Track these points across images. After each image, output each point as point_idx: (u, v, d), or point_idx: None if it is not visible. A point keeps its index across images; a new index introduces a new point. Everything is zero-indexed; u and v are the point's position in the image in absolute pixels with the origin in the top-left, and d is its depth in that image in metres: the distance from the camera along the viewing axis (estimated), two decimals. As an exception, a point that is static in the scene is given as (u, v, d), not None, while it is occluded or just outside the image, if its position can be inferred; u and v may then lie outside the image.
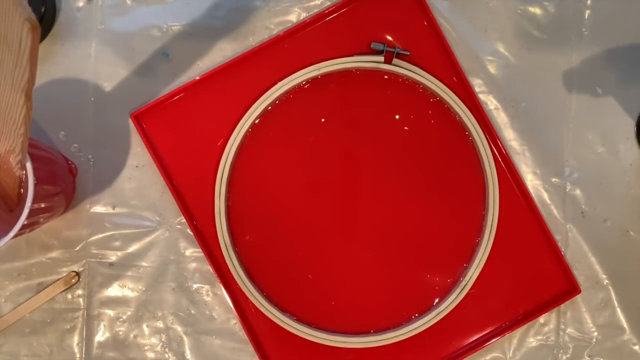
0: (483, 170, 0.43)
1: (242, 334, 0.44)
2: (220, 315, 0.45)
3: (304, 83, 0.43)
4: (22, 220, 0.35)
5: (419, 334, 0.42)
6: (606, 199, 0.44)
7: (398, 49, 0.42)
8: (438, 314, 0.42)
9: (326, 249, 0.44)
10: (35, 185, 0.35)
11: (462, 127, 0.43)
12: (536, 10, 0.44)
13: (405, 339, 0.42)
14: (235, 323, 0.45)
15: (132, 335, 0.44)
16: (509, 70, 0.44)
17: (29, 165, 0.35)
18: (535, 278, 0.43)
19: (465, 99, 0.43)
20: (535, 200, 0.44)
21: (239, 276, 0.43)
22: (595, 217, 0.44)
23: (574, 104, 0.44)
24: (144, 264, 0.44)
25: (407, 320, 0.43)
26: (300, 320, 0.43)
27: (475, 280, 0.42)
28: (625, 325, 0.44)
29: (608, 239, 0.44)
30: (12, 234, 0.35)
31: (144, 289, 0.45)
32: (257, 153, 0.44)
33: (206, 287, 0.45)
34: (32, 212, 0.35)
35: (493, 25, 0.44)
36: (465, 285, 0.42)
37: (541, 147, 0.44)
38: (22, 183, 0.36)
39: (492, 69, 0.44)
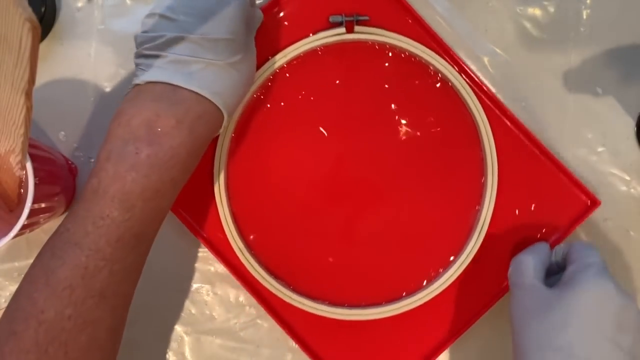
0: (470, 111, 0.43)
1: (242, 333, 0.44)
2: (220, 315, 0.45)
3: (276, 70, 0.43)
4: (22, 220, 0.35)
5: (444, 291, 0.43)
6: (606, 199, 0.44)
7: (356, 16, 0.42)
8: (463, 262, 0.42)
9: (332, 225, 0.44)
10: (36, 185, 0.35)
11: (439, 77, 0.43)
12: (536, 10, 0.44)
13: (430, 299, 0.43)
14: (235, 323, 0.45)
15: (132, 335, 0.45)
16: (508, 70, 0.44)
17: (29, 165, 0.35)
18: (551, 205, 0.43)
19: (433, 47, 0.43)
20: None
21: (256, 271, 0.43)
22: (596, 217, 0.44)
23: (573, 104, 0.44)
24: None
25: (430, 279, 0.43)
26: (334, 303, 0.43)
27: (490, 222, 0.42)
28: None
29: (608, 239, 0.44)
30: (12, 234, 0.35)
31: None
32: (248, 149, 0.44)
33: (206, 286, 0.45)
34: (32, 212, 0.35)
35: (493, 25, 0.44)
36: (481, 230, 0.42)
37: (541, 147, 0.44)
38: (22, 183, 0.36)
39: (491, 68, 0.44)
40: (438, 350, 0.43)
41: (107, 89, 0.45)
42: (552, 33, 0.44)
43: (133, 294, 0.35)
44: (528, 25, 0.44)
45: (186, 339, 0.45)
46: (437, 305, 0.43)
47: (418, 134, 0.43)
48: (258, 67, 0.42)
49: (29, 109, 0.29)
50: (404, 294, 0.43)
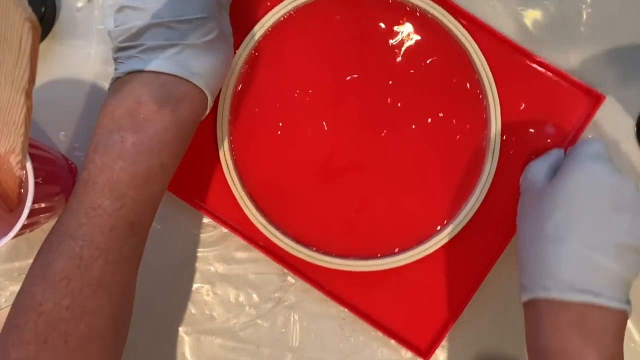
0: (458, 40, 0.43)
1: (242, 333, 0.44)
2: (220, 315, 0.45)
3: (281, 18, 0.43)
4: (22, 220, 0.35)
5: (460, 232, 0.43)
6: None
7: None
8: (482, 190, 0.42)
9: (346, 179, 0.44)
10: (36, 185, 0.35)
11: (439, 26, 0.43)
12: (536, 10, 0.44)
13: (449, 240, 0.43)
14: (235, 323, 0.45)
15: (132, 335, 0.44)
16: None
17: (29, 165, 0.35)
18: (557, 112, 0.43)
19: None
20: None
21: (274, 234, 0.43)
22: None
23: (574, 104, 0.44)
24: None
25: (449, 218, 0.43)
26: (361, 256, 0.43)
27: (501, 145, 0.42)
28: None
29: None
30: (12, 234, 0.35)
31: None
32: (248, 115, 0.44)
33: (206, 286, 0.45)
34: (32, 212, 0.35)
35: (493, 25, 0.44)
36: (493, 154, 0.42)
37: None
38: (22, 183, 0.36)
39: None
40: (470, 290, 0.43)
41: (107, 89, 0.45)
42: (553, 33, 0.44)
43: (134, 285, 0.35)
44: (528, 24, 0.44)
45: (186, 339, 0.45)
46: (465, 239, 0.43)
47: (412, 71, 0.43)
48: (244, 31, 0.42)
49: (29, 109, 0.29)
50: (430, 233, 0.43)
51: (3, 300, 0.45)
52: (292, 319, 0.45)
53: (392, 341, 0.44)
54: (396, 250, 0.43)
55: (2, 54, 0.27)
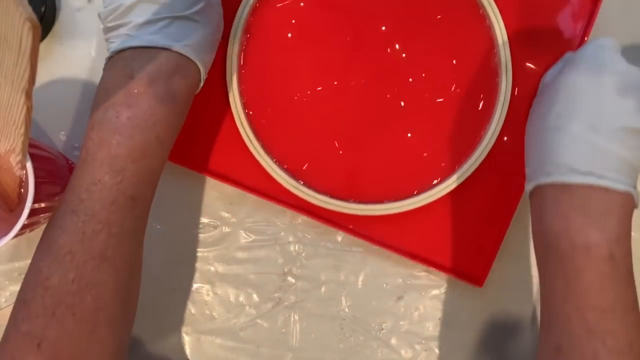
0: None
1: (242, 333, 0.44)
2: (220, 315, 0.45)
3: None
4: (23, 220, 0.35)
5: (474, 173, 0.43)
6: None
7: None
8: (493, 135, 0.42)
9: (361, 121, 0.44)
10: (36, 185, 0.35)
11: None
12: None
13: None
14: (235, 323, 0.45)
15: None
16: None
17: (29, 165, 0.35)
18: (560, 17, 0.42)
19: None
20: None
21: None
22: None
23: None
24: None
25: (459, 163, 0.43)
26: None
27: (511, 60, 0.42)
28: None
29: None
30: (12, 233, 0.35)
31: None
32: (261, 49, 0.43)
33: (206, 286, 0.45)
34: (33, 212, 0.35)
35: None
36: (507, 71, 0.42)
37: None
38: (23, 183, 0.36)
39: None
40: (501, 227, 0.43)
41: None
42: (552, 33, 0.44)
43: (139, 258, 0.36)
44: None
45: (186, 339, 0.45)
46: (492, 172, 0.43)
47: (434, 33, 0.43)
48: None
49: (29, 109, 0.29)
50: (454, 169, 0.43)
51: (3, 300, 0.45)
52: (292, 319, 0.45)
53: (393, 340, 0.44)
54: (434, 182, 0.43)
55: (2, 54, 0.27)
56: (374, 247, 0.44)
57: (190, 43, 0.35)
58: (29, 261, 0.41)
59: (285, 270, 0.45)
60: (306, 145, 0.44)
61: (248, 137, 0.43)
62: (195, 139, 0.43)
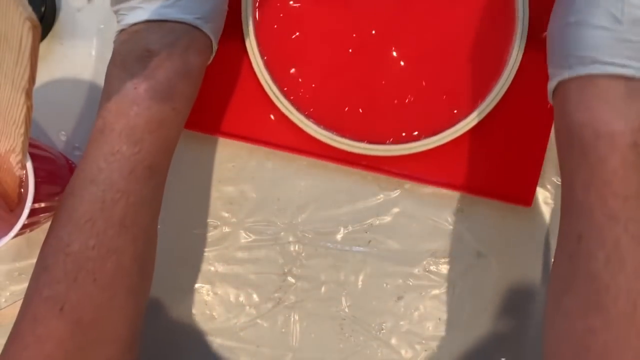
0: None
1: (242, 333, 0.44)
2: (220, 315, 0.45)
3: None
4: (23, 220, 0.35)
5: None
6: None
7: None
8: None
9: (382, 61, 0.43)
10: (36, 185, 0.35)
11: None
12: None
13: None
14: (235, 323, 0.45)
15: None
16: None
17: (29, 164, 0.35)
18: None
19: None
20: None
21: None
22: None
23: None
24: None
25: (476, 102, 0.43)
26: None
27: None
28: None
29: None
30: (12, 233, 0.35)
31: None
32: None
33: (206, 286, 0.45)
34: (33, 212, 0.35)
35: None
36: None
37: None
38: (23, 183, 0.36)
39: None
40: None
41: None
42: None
43: (155, 227, 0.37)
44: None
45: (186, 338, 0.45)
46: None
47: None
48: None
49: (29, 109, 0.29)
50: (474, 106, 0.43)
51: (3, 300, 0.45)
52: (292, 319, 0.45)
53: (393, 340, 0.44)
54: (466, 112, 0.43)
55: (2, 54, 0.27)
56: (373, 248, 0.44)
57: (203, 15, 0.36)
58: (29, 261, 0.41)
59: (285, 270, 0.45)
60: (334, 92, 0.43)
61: (271, 89, 0.42)
62: (209, 103, 0.43)
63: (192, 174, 0.44)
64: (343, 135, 0.43)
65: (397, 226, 0.45)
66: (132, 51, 0.35)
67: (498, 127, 0.43)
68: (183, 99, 0.36)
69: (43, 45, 0.44)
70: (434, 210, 0.45)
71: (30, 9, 0.24)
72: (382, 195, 0.45)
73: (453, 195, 0.45)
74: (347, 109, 0.43)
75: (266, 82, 0.42)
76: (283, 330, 0.45)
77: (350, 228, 0.45)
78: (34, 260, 0.44)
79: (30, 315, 0.33)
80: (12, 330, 0.33)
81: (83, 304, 0.32)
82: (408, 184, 0.45)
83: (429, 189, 0.45)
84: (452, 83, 0.43)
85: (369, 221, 0.45)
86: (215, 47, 0.38)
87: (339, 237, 0.45)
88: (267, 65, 0.43)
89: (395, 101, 0.43)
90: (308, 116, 0.43)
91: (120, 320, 0.34)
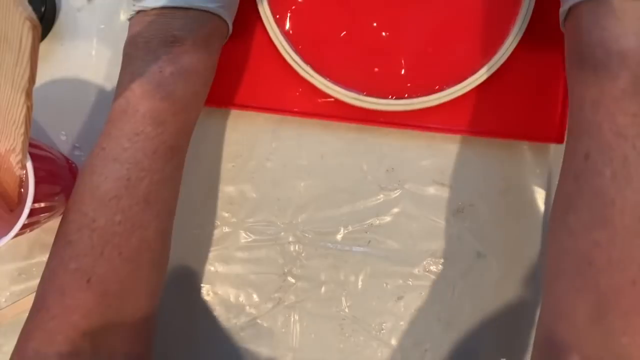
0: None
1: (242, 333, 0.44)
2: (220, 315, 0.45)
3: None
4: (23, 220, 0.35)
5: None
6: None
7: None
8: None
9: (398, 24, 0.43)
10: (36, 185, 0.35)
11: None
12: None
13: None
14: (235, 323, 0.45)
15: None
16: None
17: (29, 164, 0.35)
18: None
19: None
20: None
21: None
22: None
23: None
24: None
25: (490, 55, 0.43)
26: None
27: None
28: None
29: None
30: (12, 233, 0.35)
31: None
32: None
33: (206, 286, 0.45)
34: (33, 212, 0.35)
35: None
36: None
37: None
38: (23, 182, 0.36)
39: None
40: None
41: (108, 89, 0.45)
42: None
43: (175, 203, 0.38)
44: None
45: (187, 338, 0.45)
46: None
47: None
48: None
49: (29, 108, 0.29)
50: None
51: (3, 300, 0.45)
52: (292, 319, 0.45)
53: (393, 340, 0.44)
54: (494, 52, 0.42)
55: (2, 54, 0.27)
56: (373, 248, 0.44)
57: (224, 3, 0.37)
58: (29, 261, 0.41)
59: (285, 270, 0.45)
60: (354, 52, 0.43)
61: (290, 56, 0.42)
62: (228, 77, 0.44)
63: (192, 174, 0.44)
64: (368, 94, 0.43)
65: (397, 226, 0.45)
66: (157, 35, 0.35)
67: (520, 68, 0.43)
68: (204, 83, 0.38)
69: (43, 45, 0.45)
70: (434, 210, 0.45)
71: (30, 8, 0.24)
72: (382, 195, 0.45)
73: (453, 195, 0.45)
74: (369, 67, 0.43)
75: (284, 49, 0.43)
76: (283, 330, 0.45)
77: (350, 228, 0.45)
78: (34, 260, 0.44)
79: (56, 288, 0.33)
80: (36, 303, 0.34)
81: (109, 276, 0.33)
82: (408, 184, 0.45)
83: (429, 189, 0.45)
84: (470, 30, 0.43)
85: (369, 221, 0.45)
86: (230, 30, 0.39)
87: (339, 237, 0.45)
88: (284, 32, 0.43)
89: (417, 55, 0.43)
90: (330, 79, 0.43)
91: (143, 292, 0.36)
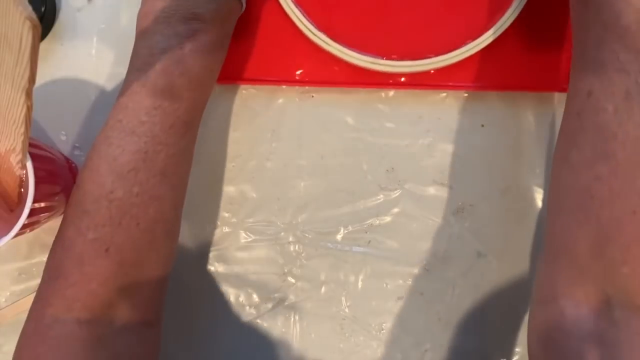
0: None
1: (243, 333, 0.44)
2: (220, 315, 0.45)
3: None
4: (23, 219, 0.35)
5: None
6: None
7: None
8: None
9: None
10: (36, 185, 0.35)
11: None
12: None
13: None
14: (235, 323, 0.45)
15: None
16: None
17: (29, 164, 0.35)
18: None
19: None
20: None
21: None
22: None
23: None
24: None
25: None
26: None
27: None
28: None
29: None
30: (12, 233, 0.35)
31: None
32: None
33: (207, 286, 0.45)
34: (33, 212, 0.35)
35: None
36: None
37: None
38: (23, 182, 0.36)
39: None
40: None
41: (108, 89, 0.45)
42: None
43: (188, 178, 0.39)
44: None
45: (187, 339, 0.45)
46: None
47: None
48: None
49: (29, 108, 0.29)
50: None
51: (3, 300, 0.45)
52: (292, 319, 0.45)
53: (392, 341, 0.44)
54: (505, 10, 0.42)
55: (2, 53, 0.27)
56: (373, 248, 0.44)
57: None
58: (29, 261, 0.41)
59: (285, 270, 0.45)
60: (367, 16, 0.43)
61: (304, 25, 0.42)
62: (241, 52, 0.44)
63: (192, 174, 0.44)
64: (386, 57, 0.43)
65: (397, 226, 0.45)
66: (178, 11, 0.36)
67: (534, 22, 0.43)
68: (219, 60, 0.39)
69: (43, 45, 0.45)
70: (434, 210, 0.45)
71: (30, 8, 0.24)
72: (382, 195, 0.45)
73: (453, 195, 0.45)
74: (384, 31, 0.43)
75: (298, 18, 0.43)
76: (283, 330, 0.45)
77: (350, 228, 0.45)
78: (34, 260, 0.44)
79: (75, 256, 0.34)
80: (52, 271, 0.35)
81: (126, 246, 0.34)
82: (408, 184, 0.45)
83: (429, 189, 0.45)
84: None
85: (369, 221, 0.45)
86: (244, 6, 0.40)
87: (339, 237, 0.45)
88: (295, 1, 0.43)
89: (432, 13, 0.43)
90: (346, 45, 0.43)
91: (157, 262, 0.37)
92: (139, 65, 0.35)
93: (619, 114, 0.31)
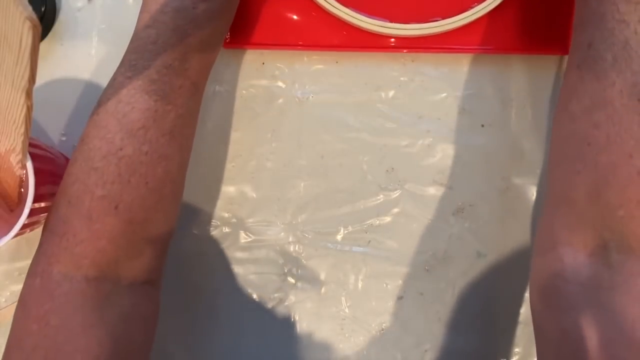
0: None
1: (243, 333, 0.44)
2: (220, 315, 0.45)
3: None
4: (23, 219, 0.35)
5: None
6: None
7: None
8: None
9: None
10: (36, 185, 0.35)
11: None
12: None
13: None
14: (235, 323, 0.45)
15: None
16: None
17: (29, 164, 0.35)
18: None
19: None
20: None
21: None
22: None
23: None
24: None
25: None
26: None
27: None
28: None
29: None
30: (12, 233, 0.35)
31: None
32: None
33: (206, 286, 0.45)
34: (33, 212, 0.35)
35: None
36: None
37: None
38: (23, 182, 0.36)
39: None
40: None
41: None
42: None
43: (193, 140, 0.39)
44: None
45: (187, 339, 0.45)
46: None
47: None
48: None
49: (29, 108, 0.29)
50: None
51: (3, 300, 0.45)
52: (292, 319, 0.45)
53: (393, 341, 0.44)
54: None
55: (2, 53, 0.27)
56: (373, 248, 0.44)
57: None
58: (29, 261, 0.41)
59: (285, 270, 0.45)
60: None
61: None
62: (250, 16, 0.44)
63: (192, 174, 0.44)
64: (393, 21, 0.43)
65: (397, 226, 0.45)
66: None
67: None
68: (226, 22, 0.38)
69: (43, 45, 0.45)
70: (434, 210, 0.45)
71: (30, 8, 0.24)
72: (382, 195, 0.45)
73: (453, 195, 0.45)
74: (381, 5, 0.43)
75: None
76: (283, 330, 0.45)
77: (350, 228, 0.45)
78: (34, 260, 0.44)
79: (84, 213, 0.33)
80: (58, 227, 0.34)
81: (135, 204, 0.34)
82: (408, 184, 0.45)
83: (429, 189, 0.45)
84: None
85: (369, 221, 0.45)
86: None
87: (339, 237, 0.45)
88: None
89: None
90: (354, 8, 0.43)
91: (163, 222, 0.37)
92: (149, 22, 0.35)
93: (618, 63, 0.31)
